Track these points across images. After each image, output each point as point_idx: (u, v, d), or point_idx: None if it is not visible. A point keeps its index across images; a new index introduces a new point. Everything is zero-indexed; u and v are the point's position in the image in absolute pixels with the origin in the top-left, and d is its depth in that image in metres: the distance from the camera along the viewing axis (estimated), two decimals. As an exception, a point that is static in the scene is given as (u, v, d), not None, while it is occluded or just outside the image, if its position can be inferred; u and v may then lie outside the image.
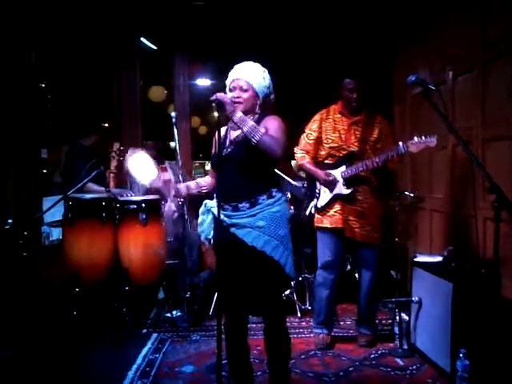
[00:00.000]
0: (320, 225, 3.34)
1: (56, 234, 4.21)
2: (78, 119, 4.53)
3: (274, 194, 2.36)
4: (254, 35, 5.29)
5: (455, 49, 3.62)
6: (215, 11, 5.22)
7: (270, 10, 5.13)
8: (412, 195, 3.83)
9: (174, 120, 3.79)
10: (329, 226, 3.30)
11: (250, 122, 2.24)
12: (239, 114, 2.25)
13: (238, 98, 2.34)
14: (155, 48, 5.69)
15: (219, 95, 2.22)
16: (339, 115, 3.37)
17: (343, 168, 3.27)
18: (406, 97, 4.59)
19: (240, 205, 2.32)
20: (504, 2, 2.99)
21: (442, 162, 3.91)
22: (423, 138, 3.05)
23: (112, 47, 5.30)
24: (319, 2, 5.03)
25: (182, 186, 2.60)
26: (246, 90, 2.36)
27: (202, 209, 2.48)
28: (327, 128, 3.35)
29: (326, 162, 3.35)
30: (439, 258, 3.23)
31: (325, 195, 3.33)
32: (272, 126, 2.33)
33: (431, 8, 4.03)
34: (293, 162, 4.59)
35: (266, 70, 2.44)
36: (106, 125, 5.72)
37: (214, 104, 2.24)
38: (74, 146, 3.94)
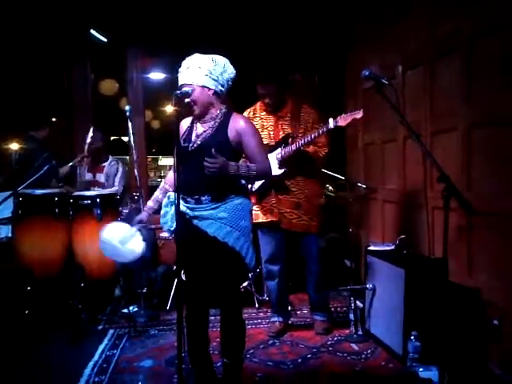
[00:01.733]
0: (256, 221, 3.35)
1: (4, 231, 4.06)
2: (29, 112, 4.38)
3: (236, 186, 2.41)
4: (208, 28, 5.26)
5: (406, 44, 3.73)
6: (169, 2, 5.16)
7: (224, 2, 5.12)
8: (364, 187, 3.95)
9: (127, 114, 3.75)
10: (264, 220, 3.36)
11: (242, 170, 2.30)
12: (231, 169, 2.27)
13: (188, 102, 2.33)
14: (106, 41, 5.55)
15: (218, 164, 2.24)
16: (264, 113, 3.43)
17: (278, 150, 3.32)
18: (357, 91, 4.69)
19: (202, 198, 2.35)
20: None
21: (393, 154, 4.03)
22: (350, 112, 3.15)
23: (63, 39, 5.14)
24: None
25: (143, 215, 2.58)
26: (192, 91, 2.32)
27: (165, 201, 2.48)
28: (257, 127, 3.39)
29: None
30: (391, 247, 3.35)
31: None
32: (250, 139, 2.37)
33: (384, 3, 4.13)
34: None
35: (215, 58, 2.37)
36: (54, 119, 5.52)
37: (174, 98, 2.23)
38: (25, 140, 3.81)
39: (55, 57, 5.23)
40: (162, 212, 2.47)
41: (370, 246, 3.51)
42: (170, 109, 2.65)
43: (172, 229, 2.42)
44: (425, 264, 2.98)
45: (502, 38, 2.66)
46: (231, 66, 2.44)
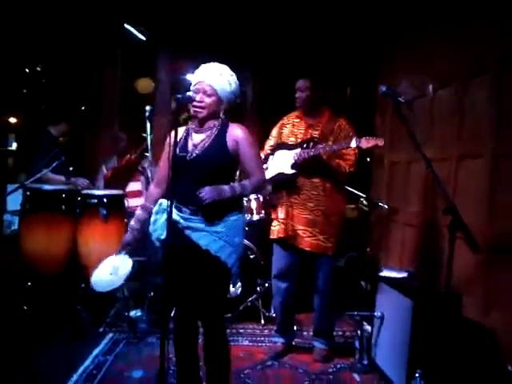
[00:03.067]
0: (272, 237, 3.30)
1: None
2: (53, 105, 4.41)
3: (233, 202, 2.32)
4: (242, 37, 5.22)
5: (438, 63, 3.56)
6: (205, 6, 5.13)
7: (260, 14, 5.06)
8: (386, 207, 3.77)
9: (147, 114, 3.71)
10: (276, 237, 3.24)
11: (238, 190, 2.27)
12: (226, 193, 2.23)
13: (200, 102, 2.28)
14: (143, 38, 5.56)
15: (210, 195, 2.20)
16: (298, 119, 3.32)
17: (298, 150, 3.17)
18: (387, 107, 4.52)
19: (199, 209, 2.27)
20: (489, 20, 2.92)
21: (417, 175, 3.84)
22: (375, 137, 3.04)
23: (95, 37, 5.18)
24: (310, 9, 4.96)
25: (129, 238, 2.48)
26: (209, 95, 2.29)
27: (156, 208, 2.40)
28: (286, 133, 3.31)
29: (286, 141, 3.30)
30: (404, 274, 3.16)
31: (270, 171, 3.27)
32: (247, 150, 2.31)
33: (418, 21, 3.96)
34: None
35: (234, 74, 2.37)
36: (83, 108, 5.53)
37: (174, 103, 2.16)
38: (41, 133, 3.82)
39: (86, 54, 5.26)
40: (152, 219, 2.39)
41: (382, 270, 3.33)
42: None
43: (162, 237, 2.33)
44: (436, 297, 2.78)
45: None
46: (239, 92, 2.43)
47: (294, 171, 3.17)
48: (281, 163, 3.23)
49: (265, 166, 3.29)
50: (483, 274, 2.75)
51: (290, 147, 3.22)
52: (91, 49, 5.22)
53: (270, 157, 3.34)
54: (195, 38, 5.29)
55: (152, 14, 5.20)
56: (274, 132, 3.39)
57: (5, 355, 2.97)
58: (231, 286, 2.39)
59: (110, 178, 4.18)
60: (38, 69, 5.83)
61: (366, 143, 2.99)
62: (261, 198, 4.16)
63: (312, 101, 3.22)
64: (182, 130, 2.42)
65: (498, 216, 2.71)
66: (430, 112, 3.61)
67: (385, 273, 3.26)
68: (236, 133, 2.32)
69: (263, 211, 3.99)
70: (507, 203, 2.65)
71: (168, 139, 2.20)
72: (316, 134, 3.21)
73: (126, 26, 5.27)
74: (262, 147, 3.41)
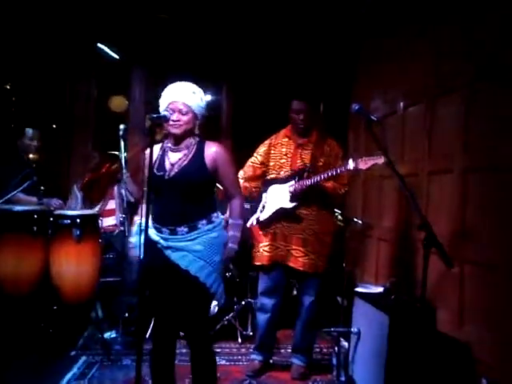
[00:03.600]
0: (258, 263, 3.27)
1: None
2: (23, 122, 4.34)
3: (213, 219, 2.35)
4: (214, 57, 5.25)
5: (409, 80, 3.64)
6: (178, 26, 5.15)
7: (234, 31, 5.11)
8: (361, 222, 3.80)
9: (121, 133, 3.69)
10: (264, 262, 3.23)
11: (238, 234, 2.38)
12: (235, 245, 2.38)
13: (177, 121, 2.29)
14: (117, 57, 5.54)
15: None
16: (286, 139, 3.31)
17: (292, 183, 3.19)
18: (360, 124, 4.59)
19: (179, 228, 2.28)
20: (455, 39, 3.01)
21: (390, 190, 3.90)
22: (372, 156, 2.97)
23: (69, 53, 5.13)
24: (281, 27, 5.03)
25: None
26: (185, 114, 2.30)
27: (135, 229, 2.39)
28: (276, 154, 3.30)
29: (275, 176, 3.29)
30: (380, 289, 3.18)
31: (269, 208, 3.26)
32: (226, 170, 2.35)
33: (390, 38, 4.06)
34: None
35: (201, 90, 2.40)
36: (54, 126, 5.45)
37: (148, 122, 2.15)
38: (10, 151, 3.74)
39: (60, 69, 5.20)
40: (134, 240, 2.38)
41: (358, 286, 3.34)
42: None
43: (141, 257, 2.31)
44: (411, 311, 2.79)
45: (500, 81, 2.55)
46: None
47: (294, 204, 3.16)
48: (278, 198, 3.22)
49: (261, 204, 3.30)
50: (457, 287, 2.79)
51: (283, 181, 3.22)
52: (65, 64, 5.17)
53: (264, 194, 3.32)
54: (169, 57, 5.29)
55: (125, 33, 5.19)
56: (262, 150, 3.36)
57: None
58: (216, 303, 2.39)
59: (87, 183, 4.13)
60: (8, 87, 5.73)
61: (365, 164, 2.96)
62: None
63: (309, 123, 3.23)
64: (157, 149, 2.41)
65: (469, 229, 2.76)
66: (401, 129, 3.68)
67: (360, 288, 3.27)
68: (214, 151, 2.33)
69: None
70: (476, 214, 2.71)
71: (144, 159, 2.19)
72: (306, 153, 3.23)
73: (100, 45, 5.24)
74: (238, 164, 3.39)
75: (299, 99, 3.20)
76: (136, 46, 5.32)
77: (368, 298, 3.07)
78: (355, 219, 3.97)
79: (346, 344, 3.29)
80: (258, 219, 3.30)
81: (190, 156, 2.32)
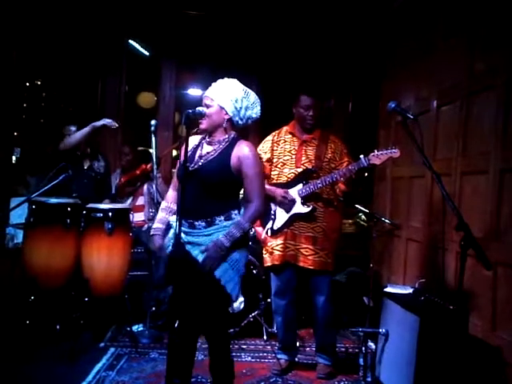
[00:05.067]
0: (269, 264, 3.24)
1: (21, 236, 4.06)
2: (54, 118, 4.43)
3: (232, 215, 2.31)
4: (246, 51, 5.25)
5: (442, 78, 3.57)
6: (208, 22, 5.18)
7: (263, 25, 5.11)
8: (389, 222, 3.76)
9: (152, 128, 3.73)
10: (275, 263, 3.20)
11: (237, 233, 2.23)
12: (227, 242, 2.22)
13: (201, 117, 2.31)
14: (146, 53, 5.60)
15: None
16: (290, 135, 3.27)
17: (300, 186, 3.14)
18: (391, 122, 4.53)
19: (196, 223, 2.28)
20: (493, 36, 2.95)
21: (420, 190, 3.84)
22: (385, 149, 2.92)
23: (100, 48, 5.21)
24: (311, 26, 5.01)
25: (159, 241, 2.47)
26: (209, 106, 2.32)
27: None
28: (279, 151, 3.26)
29: (280, 181, 3.23)
30: (410, 290, 3.14)
31: (281, 216, 3.20)
32: (248, 170, 2.27)
33: (422, 35, 3.99)
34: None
35: (241, 85, 2.38)
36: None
37: (185, 117, 2.17)
38: (47, 146, 3.83)
39: (91, 65, 5.29)
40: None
41: (387, 286, 3.30)
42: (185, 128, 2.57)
43: (168, 252, 2.34)
44: (443, 313, 2.75)
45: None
46: (259, 108, 2.42)
47: (310, 208, 3.11)
48: (289, 204, 3.17)
49: (271, 213, 3.22)
50: (489, 290, 2.74)
51: (289, 185, 3.17)
52: (95, 60, 5.25)
53: (271, 203, 3.21)
54: (198, 53, 5.33)
55: (155, 29, 5.24)
56: (267, 147, 3.30)
57: (6, 370, 2.93)
58: (242, 299, 2.36)
59: (122, 185, 4.21)
60: (38, 83, 5.86)
61: (379, 159, 2.91)
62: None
63: (318, 119, 3.20)
64: (195, 140, 2.44)
65: (503, 230, 2.70)
66: (434, 127, 3.62)
67: (389, 289, 3.23)
68: (241, 151, 2.29)
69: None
70: (512, 217, 2.65)
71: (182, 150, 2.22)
72: (310, 150, 3.19)
73: (130, 41, 5.30)
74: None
75: (308, 94, 3.15)
76: (166, 41, 5.38)
77: (397, 298, 3.03)
78: (383, 219, 3.93)
79: (372, 344, 3.26)
80: (271, 228, 3.22)
81: (219, 151, 2.32)
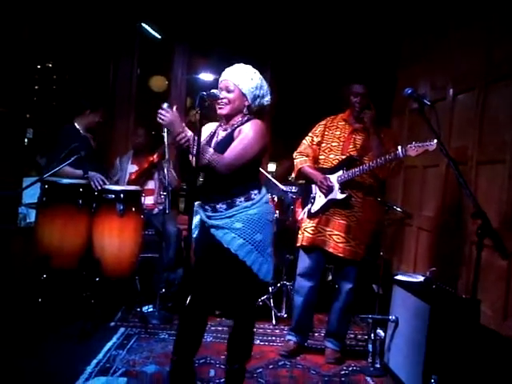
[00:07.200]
0: (299, 244, 3.29)
1: (34, 216, 4.09)
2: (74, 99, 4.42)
3: (252, 196, 2.30)
4: (259, 35, 5.20)
5: (458, 66, 3.53)
6: (221, 6, 5.12)
7: (277, 10, 5.04)
8: (401, 210, 3.74)
9: (164, 111, 3.70)
10: (305, 244, 3.23)
11: (191, 141, 2.16)
12: (188, 133, 2.18)
13: (223, 98, 2.29)
14: (159, 37, 5.56)
15: (168, 117, 2.17)
16: (343, 122, 3.30)
17: (340, 173, 3.18)
18: (404, 110, 4.49)
19: (217, 206, 2.29)
20: (508, 24, 2.89)
21: (434, 180, 3.82)
22: (423, 142, 2.91)
23: (112, 31, 5.18)
24: (326, 11, 4.94)
25: None
26: (230, 91, 2.30)
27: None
28: (329, 136, 3.29)
29: (325, 166, 3.27)
30: (421, 279, 3.12)
31: (319, 200, 3.25)
32: (239, 139, 2.24)
33: (438, 23, 3.93)
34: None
35: (257, 72, 2.37)
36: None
37: (198, 99, 2.15)
38: (64, 126, 3.83)
39: (103, 48, 5.27)
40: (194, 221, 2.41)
41: (397, 274, 3.30)
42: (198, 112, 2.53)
43: (194, 236, 2.35)
44: (454, 302, 2.74)
45: None
46: (270, 97, 2.41)
47: (345, 195, 3.15)
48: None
49: (312, 196, 3.27)
50: (503, 280, 2.72)
51: (331, 171, 3.21)
52: (108, 43, 5.22)
53: (313, 186, 3.28)
54: (211, 36, 5.28)
55: (167, 11, 5.20)
56: (318, 131, 3.35)
57: (18, 347, 2.97)
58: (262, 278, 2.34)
59: (134, 179, 4.22)
60: (50, 65, 5.85)
61: (415, 151, 2.92)
62: (275, 198, 4.16)
63: (364, 106, 3.21)
64: (212, 126, 2.44)
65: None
66: (449, 116, 3.58)
67: (400, 276, 3.22)
68: (246, 126, 2.27)
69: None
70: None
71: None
72: (359, 139, 3.20)
73: (143, 24, 5.26)
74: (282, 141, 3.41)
75: (359, 83, 3.19)
76: (178, 25, 5.33)
77: (408, 286, 3.02)
78: (395, 207, 3.91)
79: (381, 331, 3.27)
80: (309, 211, 3.27)
81: (229, 132, 2.32)
